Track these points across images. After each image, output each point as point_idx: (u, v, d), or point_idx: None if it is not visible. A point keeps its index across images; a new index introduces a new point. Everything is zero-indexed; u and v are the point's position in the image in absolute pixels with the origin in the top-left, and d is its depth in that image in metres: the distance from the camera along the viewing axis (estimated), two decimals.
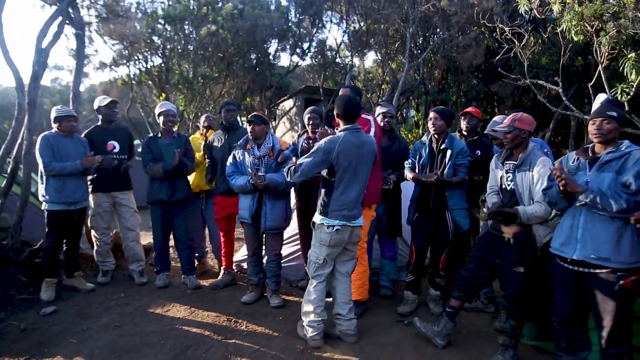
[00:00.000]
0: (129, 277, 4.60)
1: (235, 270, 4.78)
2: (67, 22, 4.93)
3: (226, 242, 4.53)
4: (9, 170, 4.48)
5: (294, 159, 3.27)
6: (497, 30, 6.30)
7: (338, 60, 14.71)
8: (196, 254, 4.90)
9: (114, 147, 4.44)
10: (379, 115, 4.12)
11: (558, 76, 5.86)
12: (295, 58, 14.81)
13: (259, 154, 3.80)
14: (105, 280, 4.49)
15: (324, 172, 3.13)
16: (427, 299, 3.95)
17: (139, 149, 6.60)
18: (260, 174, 3.70)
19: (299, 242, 4.37)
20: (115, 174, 4.37)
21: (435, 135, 3.71)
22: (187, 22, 12.11)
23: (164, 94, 12.44)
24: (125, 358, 3.01)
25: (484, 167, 3.53)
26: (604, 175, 2.38)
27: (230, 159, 3.94)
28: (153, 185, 4.33)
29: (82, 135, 4.38)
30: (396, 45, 12.73)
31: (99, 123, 4.55)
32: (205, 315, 3.74)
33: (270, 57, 14.61)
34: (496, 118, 3.74)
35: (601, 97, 2.62)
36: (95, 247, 4.53)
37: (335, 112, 3.17)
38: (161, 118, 4.39)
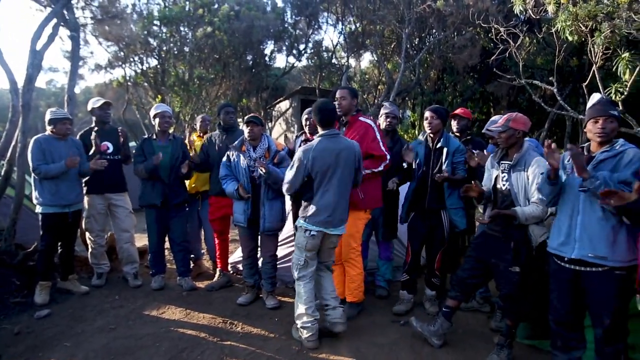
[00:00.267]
0: (123, 279, 4.58)
1: (231, 272, 4.76)
2: (62, 24, 4.91)
3: (221, 243, 4.51)
4: (2, 173, 4.45)
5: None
6: (493, 30, 6.32)
7: (334, 61, 14.75)
8: (192, 256, 4.89)
9: (108, 148, 4.42)
10: (382, 115, 4.11)
11: (553, 76, 5.88)
12: (292, 59, 14.87)
13: (255, 156, 3.78)
14: (99, 282, 4.46)
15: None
16: (423, 299, 3.95)
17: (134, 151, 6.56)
18: (266, 165, 3.64)
19: (292, 243, 4.35)
20: (110, 175, 4.33)
21: (431, 135, 3.72)
22: (183, 24, 12.10)
23: (159, 96, 12.42)
24: None
25: (478, 166, 3.54)
26: (599, 174, 2.38)
27: (224, 160, 3.93)
28: (145, 188, 4.29)
29: (77, 136, 4.36)
30: (392, 46, 12.76)
31: (93, 125, 4.52)
32: (201, 317, 3.72)
33: (267, 58, 14.64)
34: (494, 117, 3.75)
35: (595, 97, 2.60)
36: (89, 250, 4.50)
37: (312, 119, 3.19)
38: (157, 120, 4.36)
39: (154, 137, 4.40)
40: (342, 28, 12.76)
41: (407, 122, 14.39)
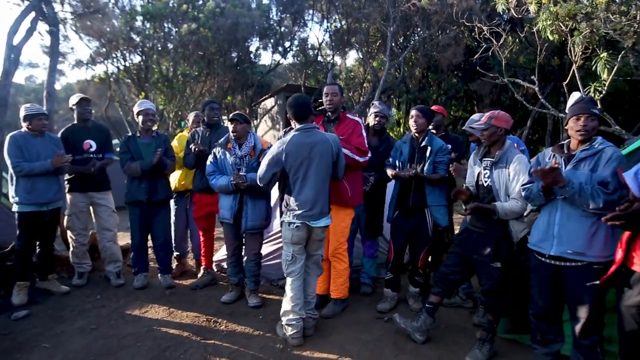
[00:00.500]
0: (105, 278, 4.51)
1: (215, 270, 4.73)
2: (40, 18, 4.80)
3: (206, 241, 4.48)
4: None
5: None
6: (476, 29, 6.39)
7: (320, 58, 14.72)
8: (177, 253, 4.83)
9: (91, 146, 4.34)
10: (371, 114, 4.15)
11: (535, 75, 5.97)
12: (277, 56, 14.81)
13: (240, 154, 3.76)
14: (81, 282, 4.38)
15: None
16: (407, 296, 3.97)
17: (117, 149, 6.45)
18: (242, 173, 3.66)
19: (278, 241, 4.34)
20: (92, 173, 4.26)
21: (416, 134, 3.75)
22: (167, 20, 11.93)
23: (143, 93, 12.24)
24: None
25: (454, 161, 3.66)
26: (579, 173, 2.43)
27: (210, 158, 3.89)
28: (132, 185, 4.24)
29: (59, 134, 4.27)
30: (377, 44, 12.83)
31: (75, 122, 4.43)
32: (184, 315, 3.69)
33: (252, 55, 14.53)
34: (474, 116, 3.79)
35: (575, 95, 2.65)
36: (71, 249, 4.42)
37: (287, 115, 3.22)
38: (140, 117, 4.29)
39: (138, 134, 4.34)
40: (327, 26, 12.78)
41: (393, 119, 14.47)
